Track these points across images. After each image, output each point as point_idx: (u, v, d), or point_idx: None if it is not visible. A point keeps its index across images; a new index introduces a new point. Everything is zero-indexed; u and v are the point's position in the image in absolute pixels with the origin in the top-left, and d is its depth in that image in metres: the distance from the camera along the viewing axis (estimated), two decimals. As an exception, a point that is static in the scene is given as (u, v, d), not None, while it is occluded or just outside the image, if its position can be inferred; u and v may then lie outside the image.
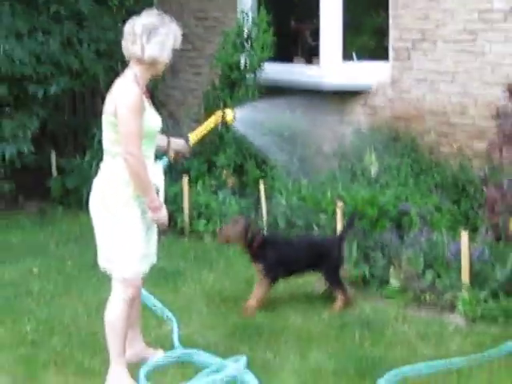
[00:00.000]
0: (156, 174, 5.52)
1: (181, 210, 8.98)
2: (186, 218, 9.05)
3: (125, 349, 5.56)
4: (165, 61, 5.39)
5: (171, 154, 5.88)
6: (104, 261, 5.55)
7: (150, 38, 5.22)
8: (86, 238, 7.43)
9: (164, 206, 5.48)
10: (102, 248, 5.52)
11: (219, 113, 6.20)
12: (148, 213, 5.37)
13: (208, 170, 9.64)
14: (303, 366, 5.79)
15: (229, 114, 6.18)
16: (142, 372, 5.60)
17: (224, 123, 6.49)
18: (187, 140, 5.97)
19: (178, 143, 5.94)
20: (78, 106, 11.02)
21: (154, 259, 5.74)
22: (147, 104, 5.39)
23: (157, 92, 11.51)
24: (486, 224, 7.09)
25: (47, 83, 9.70)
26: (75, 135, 10.88)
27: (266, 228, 8.37)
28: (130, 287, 5.46)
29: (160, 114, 5.70)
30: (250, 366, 5.62)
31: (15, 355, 6.02)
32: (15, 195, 10.30)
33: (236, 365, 5.56)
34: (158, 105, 11.47)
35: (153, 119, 5.44)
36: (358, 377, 5.57)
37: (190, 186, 9.21)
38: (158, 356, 5.90)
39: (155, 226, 5.59)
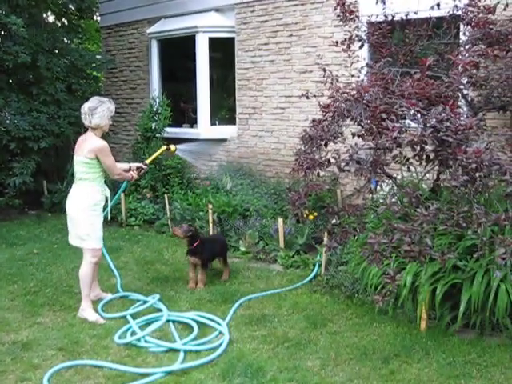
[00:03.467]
0: (106, 189, 5.53)
1: (120, 212, 8.78)
2: (124, 217, 8.83)
3: (90, 292, 5.48)
4: (106, 125, 5.44)
5: (134, 170, 5.86)
6: (77, 240, 5.48)
7: (93, 114, 5.30)
8: (65, 230, 7.12)
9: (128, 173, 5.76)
10: (74, 233, 5.49)
11: (164, 147, 6.40)
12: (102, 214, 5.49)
13: (136, 189, 9.42)
14: (192, 298, 5.78)
15: (172, 147, 6.44)
16: (99, 306, 5.51)
17: (170, 152, 6.61)
18: (145, 163, 6.03)
19: (135, 165, 5.97)
20: (59, 154, 10.57)
21: None
22: None
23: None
24: (291, 214, 7.19)
25: (40, 141, 9.39)
26: (58, 170, 10.40)
27: (169, 222, 8.31)
28: (96, 255, 5.49)
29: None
30: (161, 299, 5.61)
31: (24, 300, 5.81)
32: (22, 207, 9.88)
33: (153, 299, 5.54)
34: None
35: None
36: (223, 302, 5.65)
37: (125, 199, 8.95)
38: (108, 296, 5.82)
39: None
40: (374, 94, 4.30)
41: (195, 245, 6.07)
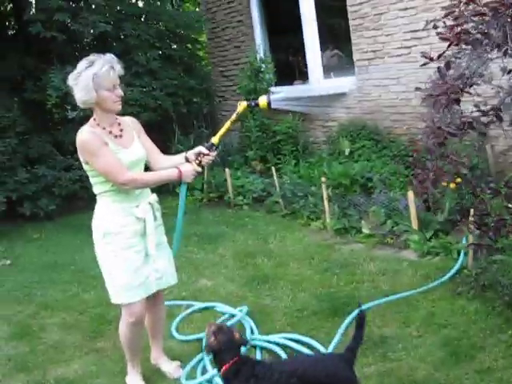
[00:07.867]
0: (141, 206, 3.32)
1: (226, 190, 7.52)
2: (231, 196, 7.54)
3: (135, 357, 3.59)
4: (99, 98, 3.19)
5: (194, 160, 3.42)
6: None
7: (75, 86, 3.20)
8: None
9: (185, 168, 3.34)
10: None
11: (243, 103, 3.58)
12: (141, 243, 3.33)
13: (245, 161, 8.21)
14: (291, 308, 4.38)
15: (262, 100, 3.57)
16: (174, 324, 4.33)
17: (256, 107, 3.64)
18: (209, 144, 3.47)
19: (194, 151, 3.45)
20: (162, 129, 9.50)
21: (168, 281, 3.54)
22: (109, 140, 3.23)
23: (214, 113, 10.15)
24: (417, 196, 5.45)
25: (136, 117, 8.37)
26: (164, 147, 9.44)
27: (280, 200, 6.91)
28: (133, 313, 3.35)
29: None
30: (251, 312, 4.30)
31: (93, 314, 4.84)
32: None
33: (240, 313, 4.24)
34: (212, 119, 10.09)
35: (120, 155, 3.25)
36: (332, 315, 4.17)
37: (231, 174, 7.62)
38: (173, 365, 3.74)
39: (161, 250, 3.46)
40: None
41: (227, 366, 2.77)
